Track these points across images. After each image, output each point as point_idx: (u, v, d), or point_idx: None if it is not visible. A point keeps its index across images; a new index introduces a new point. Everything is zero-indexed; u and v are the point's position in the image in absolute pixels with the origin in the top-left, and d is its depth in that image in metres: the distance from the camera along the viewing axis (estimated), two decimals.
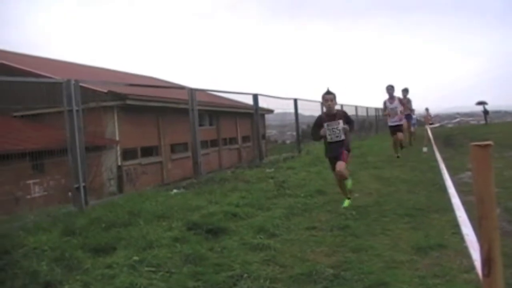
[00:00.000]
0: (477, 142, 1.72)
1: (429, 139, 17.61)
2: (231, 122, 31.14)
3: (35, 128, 18.75)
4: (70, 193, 8.91)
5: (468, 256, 4.12)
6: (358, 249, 5.64)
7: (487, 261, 1.70)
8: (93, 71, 29.77)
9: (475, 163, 1.70)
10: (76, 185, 8.35)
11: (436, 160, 11.11)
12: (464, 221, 4.13)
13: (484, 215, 1.71)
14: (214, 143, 28.40)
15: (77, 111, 8.49)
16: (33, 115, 19.66)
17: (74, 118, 8.41)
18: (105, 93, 19.28)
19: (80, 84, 8.77)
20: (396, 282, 4.49)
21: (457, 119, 70.99)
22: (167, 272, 5.01)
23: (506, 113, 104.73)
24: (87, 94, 14.65)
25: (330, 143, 8.23)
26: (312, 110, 23.74)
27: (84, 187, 8.41)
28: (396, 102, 15.40)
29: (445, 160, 10.70)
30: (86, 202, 8.42)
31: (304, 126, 24.87)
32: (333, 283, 4.59)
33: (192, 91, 12.32)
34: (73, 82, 8.49)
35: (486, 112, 44.42)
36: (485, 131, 29.82)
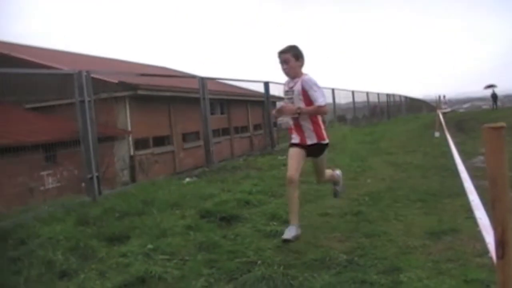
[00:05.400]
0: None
1: (440, 124, 17.55)
2: (242, 110, 31.10)
3: (47, 120, 18.85)
4: (83, 184, 8.98)
5: (481, 240, 4.12)
6: (371, 235, 5.64)
7: (500, 243, 1.70)
8: (103, 62, 29.82)
9: (488, 145, 1.69)
10: (89, 176, 8.40)
11: (448, 145, 11.07)
12: (477, 205, 4.13)
13: (497, 197, 1.70)
14: (225, 131, 28.38)
15: (89, 102, 8.53)
16: (45, 106, 19.71)
17: (86, 109, 8.46)
18: (116, 83, 19.31)
19: (92, 75, 8.80)
20: (409, 267, 4.48)
21: (468, 104, 70.48)
22: (181, 259, 5.04)
23: None
24: (99, 85, 14.67)
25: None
26: (326, 96, 23.72)
27: (97, 177, 8.47)
28: None
29: (457, 145, 10.66)
30: (100, 192, 8.47)
31: None
32: (346, 268, 4.59)
33: (203, 80, 12.33)
34: (84, 73, 8.52)
35: (495, 96, 43.33)
36: (497, 115, 29.64)
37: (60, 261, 4.93)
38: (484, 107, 64.74)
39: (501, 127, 1.66)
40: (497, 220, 1.71)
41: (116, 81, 19.34)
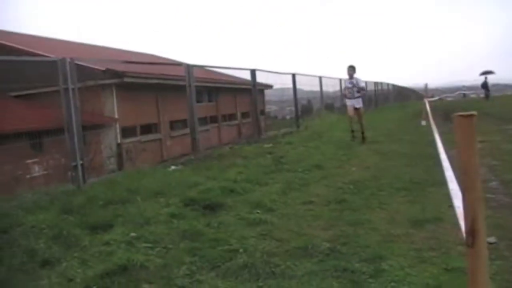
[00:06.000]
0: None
1: (427, 113, 17.61)
2: (230, 98, 30.99)
3: (32, 108, 18.69)
4: (69, 172, 8.93)
5: (462, 228, 4.15)
6: (355, 223, 5.67)
7: (471, 231, 1.70)
8: (90, 49, 29.56)
9: (459, 134, 1.69)
10: (73, 163, 8.35)
11: (433, 134, 11.12)
12: (456, 193, 4.15)
13: (468, 186, 1.71)
14: (213, 119, 28.29)
15: (73, 89, 8.46)
16: (30, 94, 19.54)
17: (70, 97, 8.39)
18: (102, 71, 19.17)
19: (76, 62, 8.73)
20: (392, 255, 4.52)
21: (457, 93, 70.72)
22: (164, 248, 5.04)
23: (506, 86, 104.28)
24: (85, 72, 14.56)
25: None
26: (312, 85, 23.62)
27: (82, 165, 8.42)
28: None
29: (442, 134, 10.71)
30: (84, 180, 8.43)
31: (304, 101, 24.78)
32: (329, 256, 4.62)
33: (190, 67, 12.26)
34: (68, 60, 8.45)
35: (486, 85, 42.64)
36: (485, 105, 29.80)
37: (43, 250, 4.92)
38: (472, 96, 65.02)
39: (472, 116, 1.66)
40: (467, 208, 1.71)
41: (103, 68, 19.20)
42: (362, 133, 14.04)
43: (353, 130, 14.38)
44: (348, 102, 14.75)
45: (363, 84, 15.55)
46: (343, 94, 15.67)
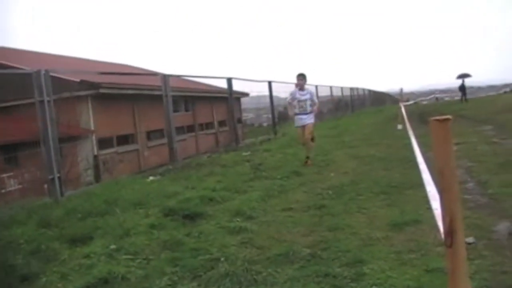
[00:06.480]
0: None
1: (403, 117, 17.79)
2: (207, 107, 31.01)
3: (7, 121, 18.48)
4: (46, 185, 8.84)
5: (441, 230, 4.19)
6: (335, 228, 5.69)
7: (449, 232, 1.73)
8: (65, 61, 29.37)
9: (435, 137, 1.72)
10: (50, 176, 8.28)
11: (410, 138, 11.22)
12: (434, 195, 4.19)
13: (445, 188, 1.73)
14: (190, 128, 28.29)
15: (49, 101, 8.41)
16: (4, 107, 19.35)
17: (46, 109, 8.33)
18: (78, 82, 19.07)
19: (51, 74, 8.66)
20: (372, 259, 4.54)
21: (431, 96, 71.68)
22: (144, 259, 5.02)
23: (480, 88, 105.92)
24: (60, 84, 14.47)
25: None
26: (288, 92, 23.76)
27: (59, 178, 8.35)
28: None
29: (418, 137, 10.81)
30: (62, 193, 8.36)
31: (281, 108, 24.86)
32: (310, 262, 4.63)
33: (166, 77, 12.25)
34: (43, 72, 8.39)
35: (463, 88, 42.21)
36: (460, 107, 30.13)
37: (21, 265, 4.86)
38: (446, 98, 65.95)
39: (447, 120, 1.69)
40: (445, 210, 1.74)
41: (78, 80, 19.10)
42: (307, 157, 11.08)
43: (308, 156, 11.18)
44: (299, 120, 11.59)
45: (317, 100, 12.68)
46: (290, 105, 11.87)
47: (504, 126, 15.22)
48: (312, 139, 11.73)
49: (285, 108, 27.73)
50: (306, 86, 11.86)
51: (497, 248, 4.55)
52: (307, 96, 11.58)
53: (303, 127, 11.42)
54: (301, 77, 11.63)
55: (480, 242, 4.71)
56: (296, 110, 11.54)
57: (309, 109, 11.50)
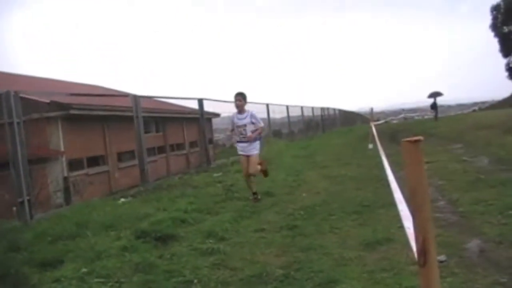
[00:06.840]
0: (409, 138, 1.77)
1: (373, 136, 17.95)
2: (178, 128, 30.91)
3: None
4: (14, 208, 8.70)
5: (413, 249, 4.23)
6: (307, 249, 5.70)
7: (422, 251, 1.75)
8: (33, 81, 29.03)
9: (407, 158, 1.75)
10: (20, 199, 8.15)
11: (381, 157, 11.33)
12: (406, 215, 4.23)
13: (418, 207, 1.75)
14: (161, 149, 28.13)
15: (18, 123, 8.30)
16: None
17: (15, 131, 8.22)
18: (47, 103, 18.86)
19: (20, 95, 8.57)
20: (345, 278, 4.56)
21: (402, 115, 72.72)
22: (116, 282, 4.95)
23: (450, 107, 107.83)
24: (29, 105, 14.31)
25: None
26: (259, 112, 23.82)
27: (28, 200, 8.23)
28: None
29: (389, 156, 10.91)
30: (31, 216, 8.23)
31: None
32: (283, 283, 4.63)
33: (136, 98, 12.20)
34: (12, 93, 8.29)
35: (435, 106, 42.35)
36: (430, 126, 30.51)
37: None
38: (416, 118, 66.97)
39: (418, 140, 1.71)
40: (418, 229, 1.75)
41: (47, 101, 18.90)
42: (254, 193, 9.44)
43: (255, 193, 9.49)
44: (240, 149, 9.71)
45: (261, 123, 10.02)
46: (232, 132, 9.96)
47: (473, 144, 15.47)
48: (265, 172, 10.21)
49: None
50: (246, 108, 9.73)
51: (469, 265, 4.61)
52: (246, 120, 9.51)
53: (247, 157, 9.52)
54: (240, 96, 9.60)
55: (451, 260, 4.76)
56: (237, 138, 9.70)
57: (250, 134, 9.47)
